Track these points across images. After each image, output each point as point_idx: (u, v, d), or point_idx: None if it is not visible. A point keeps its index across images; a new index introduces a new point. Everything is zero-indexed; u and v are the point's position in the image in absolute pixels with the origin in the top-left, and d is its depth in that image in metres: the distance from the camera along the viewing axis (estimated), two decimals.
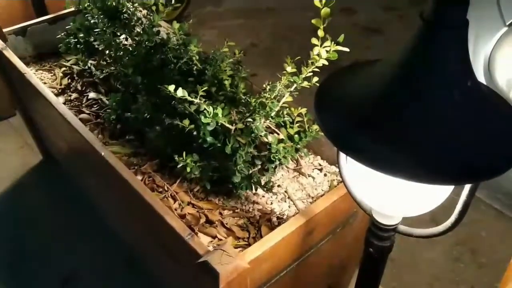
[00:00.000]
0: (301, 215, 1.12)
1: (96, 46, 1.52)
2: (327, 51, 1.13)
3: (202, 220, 1.22)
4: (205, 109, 1.13)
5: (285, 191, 1.30)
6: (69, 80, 1.73)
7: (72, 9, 1.77)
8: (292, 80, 1.20)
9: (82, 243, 1.85)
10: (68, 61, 1.82)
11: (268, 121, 1.26)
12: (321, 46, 1.13)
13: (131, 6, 1.54)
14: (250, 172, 1.22)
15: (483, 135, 0.63)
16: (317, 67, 1.17)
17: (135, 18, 1.52)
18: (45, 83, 1.72)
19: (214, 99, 1.25)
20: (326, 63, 1.14)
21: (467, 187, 0.73)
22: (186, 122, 1.17)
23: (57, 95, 1.65)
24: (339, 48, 1.12)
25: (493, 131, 0.64)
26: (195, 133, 1.18)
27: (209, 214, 1.24)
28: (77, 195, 1.99)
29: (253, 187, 1.24)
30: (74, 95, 1.66)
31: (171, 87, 1.11)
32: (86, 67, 1.71)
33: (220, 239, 1.18)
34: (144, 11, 1.55)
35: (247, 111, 1.21)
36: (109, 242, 1.82)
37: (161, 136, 1.30)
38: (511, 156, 0.62)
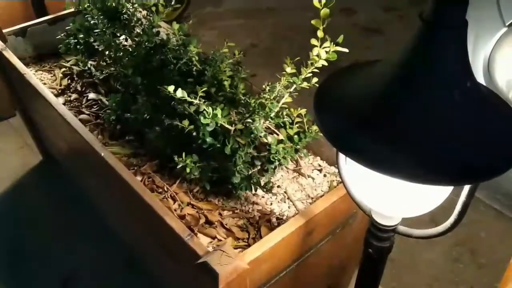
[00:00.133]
0: (300, 215, 1.12)
1: (96, 47, 1.52)
2: (326, 52, 1.13)
3: (202, 220, 1.22)
4: (204, 109, 1.13)
5: (285, 192, 1.30)
6: (69, 81, 1.73)
7: (72, 9, 1.77)
8: (291, 80, 1.20)
9: (82, 243, 1.85)
10: (68, 61, 1.82)
11: (267, 121, 1.26)
12: (320, 46, 1.13)
13: (131, 7, 1.54)
14: (250, 172, 1.22)
15: (482, 135, 0.63)
16: (316, 67, 1.17)
17: (135, 19, 1.52)
18: (45, 83, 1.72)
19: (214, 100, 1.25)
20: (326, 63, 1.14)
21: (467, 188, 0.73)
22: (186, 122, 1.17)
23: (57, 95, 1.65)
24: (339, 48, 1.12)
25: (492, 131, 0.64)
26: (194, 133, 1.18)
27: (208, 214, 1.24)
28: (77, 195, 1.99)
29: (253, 187, 1.24)
30: (74, 96, 1.66)
31: (171, 88, 1.11)
32: (86, 68, 1.71)
33: (220, 240, 1.18)
34: (144, 12, 1.55)
35: (247, 112, 1.21)
36: (109, 242, 1.82)
37: (161, 136, 1.30)
38: (510, 157, 0.62)
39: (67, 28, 1.62)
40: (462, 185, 0.72)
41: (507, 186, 1.84)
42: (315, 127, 1.26)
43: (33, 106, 1.83)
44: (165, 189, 1.30)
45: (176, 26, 1.37)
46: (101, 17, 1.50)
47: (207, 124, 1.13)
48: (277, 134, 1.31)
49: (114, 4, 1.51)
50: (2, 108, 2.38)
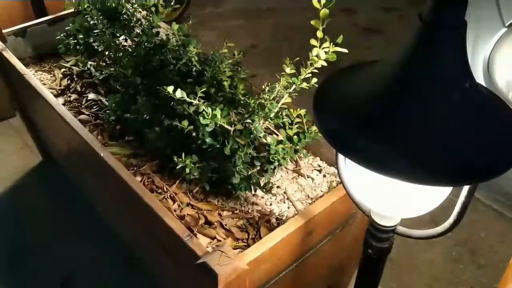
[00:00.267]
0: (300, 216, 1.12)
1: (96, 47, 1.52)
2: (325, 52, 1.13)
3: (201, 221, 1.22)
4: (204, 110, 1.13)
5: (284, 192, 1.30)
6: (69, 81, 1.73)
7: (72, 10, 1.77)
8: (291, 81, 1.20)
9: (82, 243, 1.85)
10: (68, 62, 1.82)
11: (267, 122, 1.26)
12: (320, 47, 1.13)
13: (131, 7, 1.54)
14: (249, 173, 1.22)
15: (481, 136, 0.63)
16: (316, 68, 1.17)
17: (135, 19, 1.52)
18: (44, 84, 1.72)
19: (213, 100, 1.25)
20: (325, 64, 1.14)
21: (466, 188, 0.73)
22: (185, 123, 1.17)
23: (56, 96, 1.65)
24: (338, 49, 1.13)
25: (491, 132, 0.64)
26: (194, 134, 1.18)
27: (208, 215, 1.24)
28: (76, 195, 1.99)
29: (252, 188, 1.24)
30: (73, 96, 1.66)
31: (170, 88, 1.11)
32: (86, 68, 1.71)
33: (219, 240, 1.18)
34: (144, 12, 1.55)
35: (246, 112, 1.22)
36: (108, 242, 1.82)
37: (161, 137, 1.30)
38: (509, 157, 0.62)
39: (66, 28, 1.62)
40: (461, 185, 0.72)
41: (507, 186, 1.84)
42: (314, 128, 1.26)
43: (33, 106, 1.83)
44: (165, 189, 1.30)
45: (175, 26, 1.37)
46: (101, 17, 1.50)
47: (207, 125, 1.13)
48: (277, 135, 1.31)
49: (113, 5, 1.51)
50: (2, 109, 2.38)
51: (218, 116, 1.13)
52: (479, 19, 1.76)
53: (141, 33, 1.44)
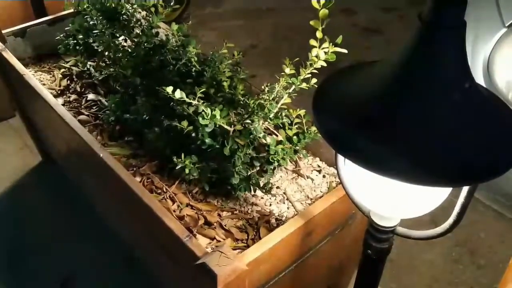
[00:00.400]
0: (299, 216, 1.12)
1: (95, 48, 1.52)
2: (325, 53, 1.13)
3: (201, 221, 1.22)
4: (203, 110, 1.13)
5: (284, 193, 1.30)
6: (68, 82, 1.73)
7: (71, 10, 1.77)
8: (290, 81, 1.20)
9: (82, 243, 1.85)
10: (67, 62, 1.82)
11: (266, 122, 1.26)
12: (319, 47, 1.13)
13: (130, 8, 1.54)
14: (249, 173, 1.22)
15: (481, 136, 0.63)
16: (315, 68, 1.17)
17: (134, 20, 1.52)
18: (44, 84, 1.72)
19: (213, 101, 1.25)
20: (325, 64, 1.14)
21: (465, 189, 0.73)
22: (185, 123, 1.17)
23: (56, 96, 1.65)
24: (338, 49, 1.12)
25: (491, 132, 0.64)
26: (193, 134, 1.18)
27: (207, 215, 1.24)
28: (76, 196, 1.99)
29: (252, 188, 1.23)
30: (73, 97, 1.66)
31: (169, 89, 1.11)
32: (85, 69, 1.71)
33: (219, 241, 1.18)
34: (143, 13, 1.55)
35: (246, 113, 1.21)
36: (108, 242, 1.82)
37: (160, 137, 1.29)
38: (509, 158, 0.62)
39: (66, 28, 1.61)
40: (461, 186, 0.72)
41: (506, 187, 1.84)
42: (314, 128, 1.26)
43: (32, 107, 1.83)
44: (164, 190, 1.30)
45: (175, 26, 1.37)
46: (100, 17, 1.50)
47: (206, 125, 1.13)
48: (276, 135, 1.31)
49: (113, 5, 1.51)
50: (1, 109, 2.38)
51: (218, 116, 1.13)
52: (479, 19, 1.76)
53: (140, 33, 1.44)
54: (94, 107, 1.61)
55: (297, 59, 1.20)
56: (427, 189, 0.73)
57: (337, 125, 0.67)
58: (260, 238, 1.15)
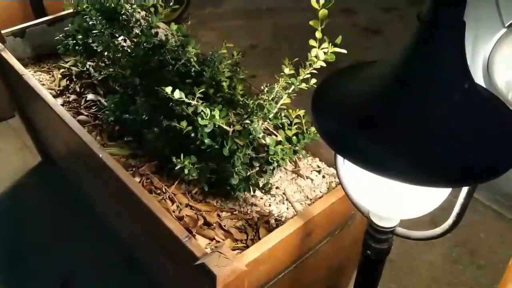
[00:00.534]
0: (299, 217, 1.11)
1: (95, 48, 1.52)
2: (324, 53, 1.13)
3: (200, 222, 1.22)
4: (202, 110, 1.12)
5: (283, 193, 1.29)
6: (68, 82, 1.73)
7: (71, 10, 1.76)
8: (290, 81, 1.19)
9: (82, 244, 1.85)
10: (67, 62, 1.82)
11: (266, 123, 1.26)
12: (319, 47, 1.13)
13: (130, 8, 1.53)
14: (248, 174, 1.22)
15: (480, 136, 0.63)
16: (315, 68, 1.16)
17: (134, 20, 1.52)
18: (43, 84, 1.72)
19: (212, 101, 1.25)
20: (324, 64, 1.14)
21: (465, 189, 0.73)
22: (184, 123, 1.16)
23: (55, 96, 1.65)
24: (337, 49, 1.12)
25: (490, 132, 0.64)
26: (193, 134, 1.18)
27: (207, 216, 1.24)
28: (76, 196, 1.98)
29: (251, 189, 1.23)
30: (72, 97, 1.66)
31: (168, 89, 1.10)
32: (85, 69, 1.71)
33: (218, 241, 1.18)
34: (143, 13, 1.55)
35: (245, 113, 1.21)
36: (108, 242, 1.82)
37: (159, 137, 1.29)
38: (509, 158, 0.62)
39: (65, 29, 1.61)
40: (461, 186, 0.71)
41: (506, 187, 1.84)
42: (313, 128, 1.26)
43: (32, 107, 1.83)
44: (164, 190, 1.30)
45: (174, 26, 1.37)
46: (100, 17, 1.50)
47: (205, 125, 1.13)
48: (276, 135, 1.31)
49: (112, 5, 1.51)
50: (1, 109, 2.38)
51: (217, 116, 1.13)
52: (478, 20, 1.76)
53: (140, 33, 1.44)
54: (93, 107, 1.61)
55: (297, 59, 1.20)
56: (426, 190, 0.72)
57: (336, 125, 0.67)
58: (259, 239, 1.15)
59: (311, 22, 1.06)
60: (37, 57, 1.87)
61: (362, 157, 0.63)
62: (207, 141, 1.16)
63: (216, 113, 1.13)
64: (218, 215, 1.25)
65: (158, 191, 1.30)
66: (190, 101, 1.14)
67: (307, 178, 1.33)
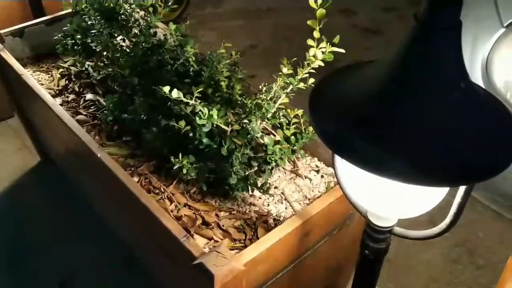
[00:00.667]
0: (297, 216, 1.11)
1: (94, 48, 1.52)
2: (323, 53, 1.13)
3: (199, 221, 1.22)
4: (200, 110, 1.12)
5: (282, 193, 1.29)
6: (67, 82, 1.73)
7: (69, 10, 1.76)
8: (288, 81, 1.19)
9: (81, 243, 1.85)
10: (66, 62, 1.82)
11: (264, 122, 1.26)
12: (317, 47, 1.13)
13: (128, 8, 1.53)
14: (247, 173, 1.22)
15: (477, 136, 0.63)
16: (314, 68, 1.16)
17: (132, 20, 1.52)
18: (42, 84, 1.72)
19: (211, 100, 1.25)
20: (322, 64, 1.14)
21: (462, 189, 0.73)
22: (182, 123, 1.16)
23: (54, 96, 1.65)
24: (335, 49, 1.12)
25: (487, 132, 0.64)
26: (191, 134, 1.18)
27: (205, 215, 1.24)
28: (75, 196, 1.98)
29: (250, 188, 1.23)
30: (71, 97, 1.66)
31: (166, 88, 1.10)
32: (84, 69, 1.71)
33: (216, 241, 1.18)
34: (142, 13, 1.55)
35: (243, 113, 1.21)
36: (108, 242, 1.82)
37: (158, 137, 1.29)
38: (506, 157, 0.62)
39: (64, 28, 1.61)
40: (458, 186, 0.71)
41: (505, 187, 1.83)
42: (312, 128, 1.26)
43: (31, 107, 1.83)
44: (162, 190, 1.30)
45: (172, 26, 1.37)
46: (98, 17, 1.50)
47: (203, 125, 1.13)
48: (274, 135, 1.31)
49: (111, 5, 1.51)
50: (0, 109, 2.38)
51: (215, 116, 1.13)
52: (477, 20, 1.76)
53: (138, 33, 1.44)
54: (92, 107, 1.61)
55: (295, 59, 1.20)
56: (424, 189, 0.73)
57: (334, 125, 0.67)
58: (258, 238, 1.15)
59: (309, 22, 1.06)
60: (36, 57, 1.87)
61: (359, 156, 0.63)
62: (205, 140, 1.16)
63: (214, 112, 1.13)
64: (217, 215, 1.25)
65: (157, 191, 1.30)
66: (188, 100, 1.14)
67: (305, 178, 1.33)
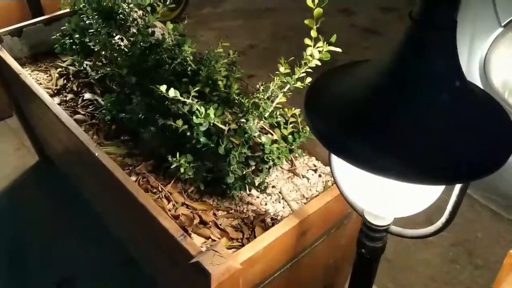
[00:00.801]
0: (294, 215, 1.11)
1: (92, 47, 1.52)
2: (319, 52, 1.13)
3: (196, 220, 1.22)
4: (197, 109, 1.12)
5: (280, 192, 1.29)
6: (65, 81, 1.73)
7: (68, 10, 1.77)
8: (285, 80, 1.19)
9: (81, 243, 1.85)
10: (64, 61, 1.82)
11: (261, 121, 1.26)
12: (314, 46, 1.13)
13: (127, 7, 1.53)
14: (244, 172, 1.22)
15: (472, 134, 0.63)
16: (311, 67, 1.16)
17: (131, 19, 1.52)
18: (40, 83, 1.72)
19: (208, 100, 1.25)
20: (319, 63, 1.14)
21: (457, 187, 0.73)
22: (180, 122, 1.16)
23: (52, 95, 1.65)
24: (332, 48, 1.12)
25: (482, 130, 0.64)
26: (188, 133, 1.18)
27: (203, 215, 1.23)
28: (73, 195, 1.98)
29: (247, 187, 1.23)
30: (69, 96, 1.66)
31: (163, 87, 1.10)
32: (82, 68, 1.71)
33: (214, 240, 1.18)
34: (140, 12, 1.55)
35: (241, 112, 1.21)
36: (106, 241, 1.82)
37: (155, 136, 1.29)
38: (500, 156, 0.62)
39: (62, 28, 1.61)
40: (452, 184, 0.71)
41: (503, 187, 1.83)
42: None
43: (29, 106, 1.83)
44: (160, 189, 1.30)
45: (170, 26, 1.37)
46: (96, 17, 1.50)
47: (200, 124, 1.13)
48: (272, 134, 1.31)
49: (109, 4, 1.51)
50: None
51: (212, 115, 1.12)
52: (475, 19, 1.76)
53: (136, 32, 1.44)
54: (90, 107, 1.61)
55: (292, 58, 1.20)
56: (419, 188, 0.72)
57: (329, 124, 0.67)
58: (255, 238, 1.15)
59: (306, 21, 1.06)
60: (34, 56, 1.87)
61: (354, 155, 0.63)
62: (202, 139, 1.16)
63: (211, 111, 1.13)
64: (214, 214, 1.25)
65: (154, 190, 1.30)
66: (185, 99, 1.14)
67: (303, 177, 1.33)
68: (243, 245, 1.15)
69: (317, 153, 1.38)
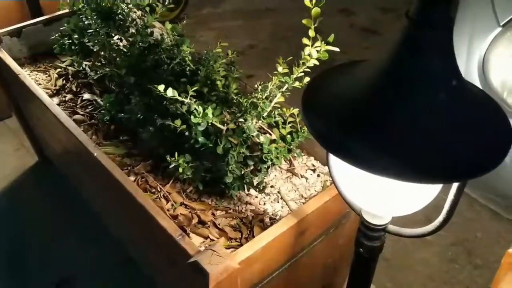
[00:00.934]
0: (292, 215, 1.11)
1: (91, 47, 1.52)
2: (317, 51, 1.13)
3: (195, 220, 1.22)
4: (195, 108, 1.12)
5: (278, 192, 1.29)
6: (64, 81, 1.73)
7: (67, 10, 1.77)
8: (283, 80, 1.19)
9: (80, 243, 1.86)
10: (63, 62, 1.82)
11: (260, 121, 1.26)
12: (312, 46, 1.13)
13: (126, 7, 1.54)
14: (243, 172, 1.22)
15: (468, 133, 0.63)
16: (309, 67, 1.16)
17: (130, 19, 1.52)
18: (39, 84, 1.72)
19: (206, 100, 1.25)
20: (317, 63, 1.14)
21: (455, 186, 0.73)
22: (178, 122, 1.17)
23: (51, 96, 1.65)
24: (330, 47, 1.12)
25: (479, 129, 0.64)
26: (187, 133, 1.18)
27: (201, 214, 1.24)
28: (73, 195, 1.99)
29: (246, 187, 1.23)
30: (68, 96, 1.66)
31: (161, 87, 1.10)
32: (81, 68, 1.71)
33: (212, 240, 1.18)
34: (139, 12, 1.55)
35: (239, 111, 1.21)
36: (105, 241, 1.82)
37: (154, 136, 1.29)
38: (496, 155, 0.62)
39: (61, 28, 1.62)
40: (449, 183, 0.71)
41: (501, 186, 1.83)
42: None
43: (28, 106, 1.83)
44: (158, 189, 1.30)
45: (168, 26, 1.37)
46: (95, 17, 1.50)
47: (198, 124, 1.13)
48: (270, 134, 1.31)
49: (108, 5, 1.51)
50: None
51: (210, 114, 1.13)
52: (474, 19, 1.76)
53: (135, 33, 1.44)
54: (89, 107, 1.61)
55: (291, 58, 1.20)
56: (416, 187, 0.73)
57: (327, 123, 0.67)
58: (254, 237, 1.15)
59: (304, 21, 1.06)
60: (33, 56, 1.87)
61: (351, 154, 0.63)
62: (201, 139, 1.16)
63: (209, 111, 1.13)
64: (213, 214, 1.25)
65: (153, 190, 1.31)
66: (183, 99, 1.14)
67: (302, 177, 1.33)
68: (241, 245, 1.15)
69: (315, 152, 1.39)
